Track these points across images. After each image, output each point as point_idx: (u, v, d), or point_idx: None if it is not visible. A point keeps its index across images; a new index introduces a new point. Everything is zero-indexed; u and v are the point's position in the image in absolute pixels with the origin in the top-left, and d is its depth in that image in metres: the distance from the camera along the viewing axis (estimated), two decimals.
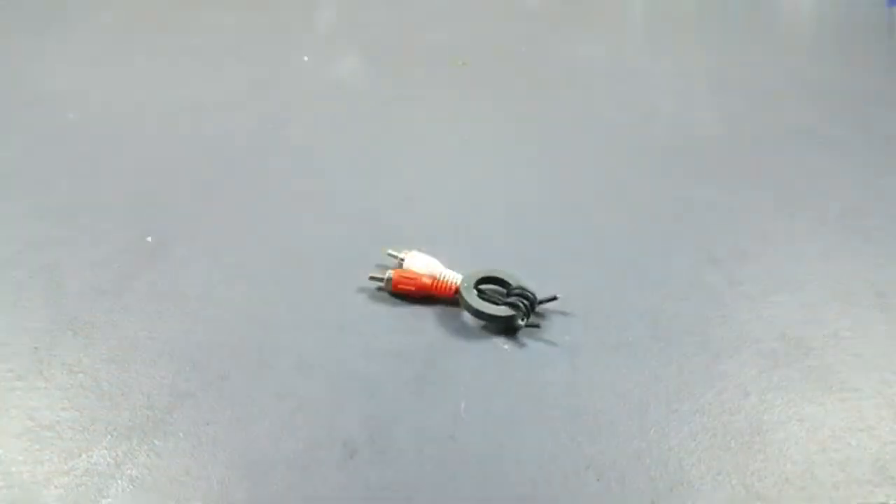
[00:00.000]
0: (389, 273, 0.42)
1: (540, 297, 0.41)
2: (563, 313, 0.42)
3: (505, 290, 0.42)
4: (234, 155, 0.57)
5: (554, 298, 0.41)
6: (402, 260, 0.43)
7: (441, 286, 0.42)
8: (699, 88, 0.74)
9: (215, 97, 0.66)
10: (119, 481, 0.32)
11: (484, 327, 0.41)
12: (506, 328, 0.40)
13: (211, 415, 0.35)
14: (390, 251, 0.44)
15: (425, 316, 0.41)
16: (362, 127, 0.63)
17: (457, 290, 0.41)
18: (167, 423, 0.34)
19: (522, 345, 0.40)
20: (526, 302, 0.40)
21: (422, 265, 0.43)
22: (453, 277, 0.42)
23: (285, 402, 0.35)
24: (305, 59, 0.77)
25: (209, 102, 0.65)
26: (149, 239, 0.46)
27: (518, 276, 0.42)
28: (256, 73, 0.72)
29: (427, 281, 0.42)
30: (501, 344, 0.40)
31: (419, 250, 0.44)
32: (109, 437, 0.34)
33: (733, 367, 0.39)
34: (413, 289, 0.42)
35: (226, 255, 0.45)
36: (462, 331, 0.40)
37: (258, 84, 0.70)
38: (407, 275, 0.42)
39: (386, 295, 0.42)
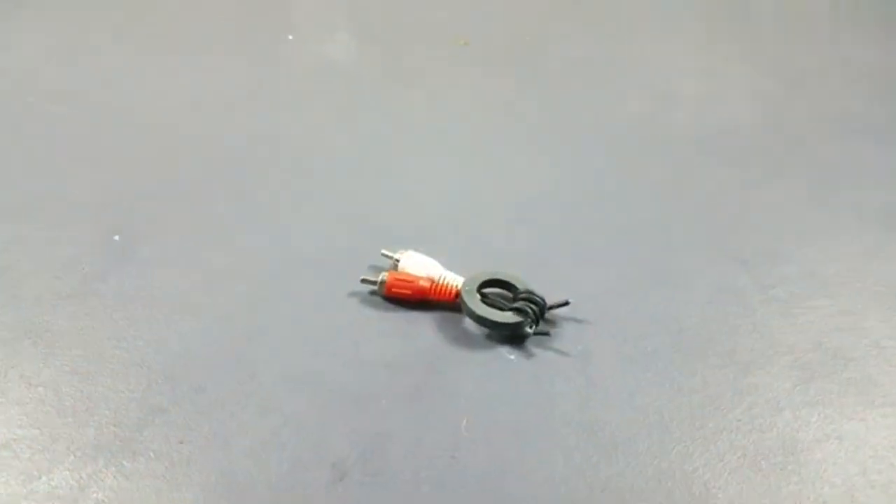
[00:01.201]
0: (383, 275, 0.42)
1: (549, 301, 0.41)
2: (576, 320, 0.42)
3: (511, 295, 0.42)
4: (214, 147, 0.57)
5: (565, 303, 0.41)
6: (398, 261, 0.43)
7: (440, 290, 0.42)
8: (727, 71, 0.74)
9: (192, 84, 0.66)
10: None
11: (488, 335, 0.41)
12: (512, 336, 0.40)
13: (185, 432, 0.34)
14: (384, 251, 0.44)
15: (423, 323, 0.41)
16: (354, 113, 0.63)
17: (458, 295, 0.41)
18: (137, 441, 0.34)
19: (530, 354, 0.40)
20: (534, 307, 0.40)
21: (419, 267, 0.43)
22: (454, 280, 0.42)
23: (268, 418, 0.35)
24: (290, 37, 0.77)
25: (184, 90, 0.65)
26: (116, 238, 0.46)
27: (525, 278, 0.42)
28: (240, 58, 0.72)
29: (425, 284, 0.42)
30: (507, 353, 0.40)
31: (416, 250, 0.44)
32: (73, 457, 0.33)
33: (764, 380, 0.39)
34: (409, 293, 0.42)
35: (203, 256, 0.45)
36: (463, 339, 0.40)
37: (242, 69, 0.70)
38: (402, 277, 0.42)
39: (379, 300, 0.42)
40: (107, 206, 0.49)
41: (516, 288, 0.42)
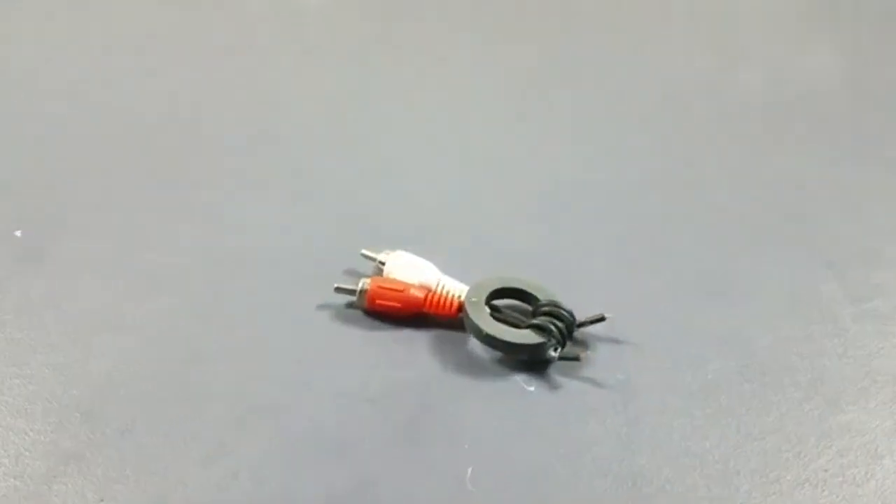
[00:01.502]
0: (364, 282, 0.42)
1: (580, 317, 0.41)
2: (614, 340, 0.42)
3: (530, 308, 0.42)
4: (154, 123, 0.57)
5: (600, 319, 0.41)
6: (383, 263, 0.43)
7: (438, 301, 0.42)
8: (805, 24, 0.74)
9: (129, 47, 0.66)
10: None
11: (499, 360, 0.41)
12: (531, 361, 0.40)
13: (107, 485, 0.34)
14: (365, 251, 0.44)
15: (415, 344, 0.41)
16: (331, 80, 0.63)
17: (461, 307, 0.41)
18: (44, 497, 0.34)
19: (555, 385, 0.39)
20: (560, 324, 0.40)
21: (410, 271, 0.43)
22: (455, 289, 0.42)
23: (216, 465, 0.35)
24: None
25: (119, 53, 0.65)
26: (18, 233, 0.46)
27: (548, 287, 0.42)
28: (188, 13, 0.72)
29: (417, 293, 0.42)
30: (525, 384, 0.39)
31: (406, 250, 0.44)
32: None
33: (858, 418, 0.39)
34: (398, 305, 0.42)
35: (135, 259, 0.45)
36: (468, 365, 0.40)
37: (192, 28, 0.70)
38: (389, 285, 0.42)
39: (359, 314, 0.42)
40: (4, 193, 0.49)
41: (536, 299, 0.42)
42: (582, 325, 0.41)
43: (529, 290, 0.42)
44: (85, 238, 0.46)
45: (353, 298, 0.42)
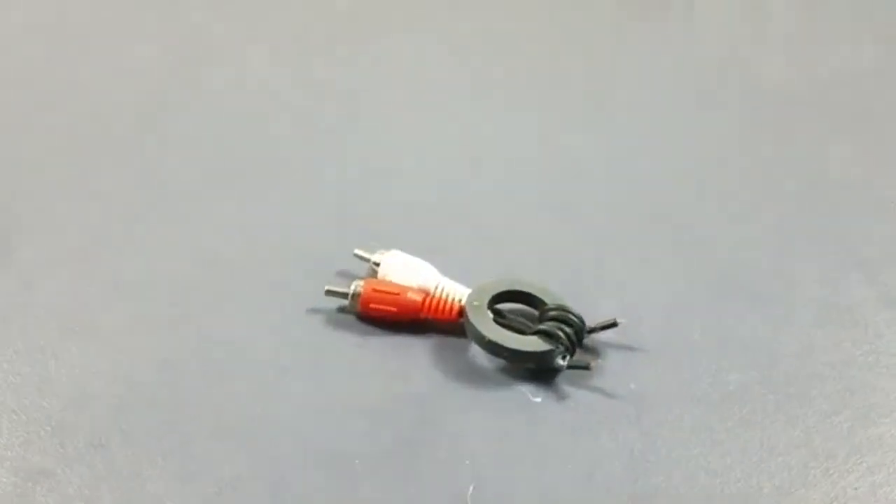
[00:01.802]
0: (357, 285, 0.42)
1: (590, 322, 0.41)
2: (627, 348, 0.41)
3: (536, 313, 0.42)
4: (121, 110, 0.56)
5: (612, 325, 0.41)
6: (377, 264, 0.43)
7: (437, 305, 0.41)
8: (839, 3, 0.74)
9: (89, 21, 0.66)
10: None
11: (503, 369, 0.40)
12: (538, 370, 0.40)
13: None
14: (358, 251, 0.44)
15: (413, 351, 0.41)
16: (317, 55, 0.63)
17: (461, 312, 0.41)
18: None
19: (563, 396, 0.39)
20: (568, 330, 0.40)
21: (407, 273, 0.43)
22: (456, 292, 0.42)
23: (196, 482, 0.35)
24: None
25: (79, 24, 0.65)
26: None
27: (556, 289, 0.42)
28: None
29: (415, 297, 0.42)
30: (531, 395, 0.39)
31: (403, 249, 0.44)
32: None
33: (890, 432, 0.38)
34: (394, 309, 0.41)
35: (105, 260, 0.45)
36: (469, 374, 0.40)
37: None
38: (384, 288, 0.42)
39: (351, 319, 0.42)
40: None
41: (543, 303, 0.42)
42: (592, 330, 0.41)
43: (536, 293, 0.42)
44: (48, 238, 0.46)
45: (345, 302, 0.42)
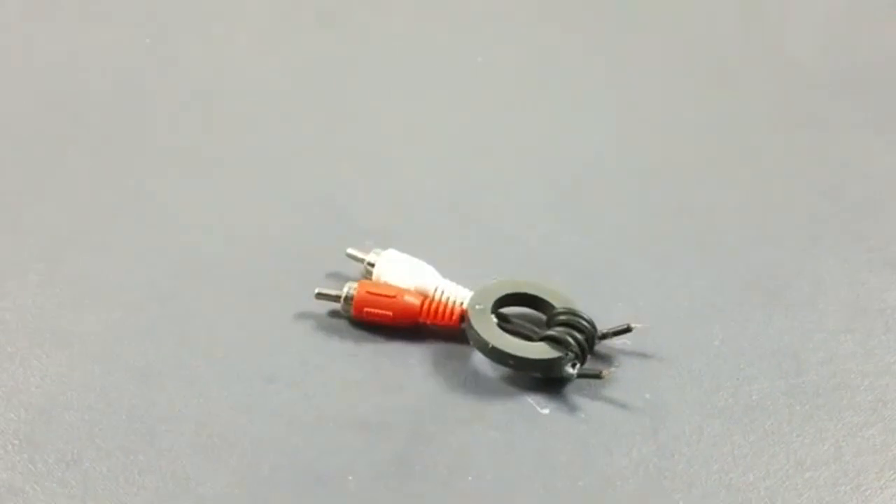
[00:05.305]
0: (350, 287, 0.42)
1: (602, 327, 0.41)
2: (642, 355, 0.41)
3: (544, 317, 0.42)
4: (90, 95, 0.56)
5: (626, 330, 0.41)
6: (372, 265, 0.43)
7: (436, 309, 0.41)
8: None
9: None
10: None
11: (508, 378, 0.40)
12: (545, 379, 0.40)
13: None
14: (351, 250, 0.44)
15: (410, 359, 0.41)
16: (308, 44, 0.63)
17: (463, 317, 0.41)
18: None
19: (573, 407, 0.39)
20: (579, 336, 0.40)
21: (404, 274, 0.43)
22: (457, 294, 0.42)
23: (175, 502, 0.35)
24: None
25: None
26: None
27: (565, 292, 0.42)
28: None
29: (412, 300, 0.42)
30: (538, 406, 0.39)
31: (399, 249, 0.44)
32: None
33: None
34: (389, 313, 0.41)
35: (76, 263, 0.45)
36: (471, 385, 0.40)
37: None
38: (379, 290, 0.42)
39: (344, 324, 0.42)
40: None
41: (552, 306, 0.42)
42: (605, 336, 0.41)
43: (543, 296, 0.42)
44: (17, 238, 0.46)
45: (337, 306, 0.42)
